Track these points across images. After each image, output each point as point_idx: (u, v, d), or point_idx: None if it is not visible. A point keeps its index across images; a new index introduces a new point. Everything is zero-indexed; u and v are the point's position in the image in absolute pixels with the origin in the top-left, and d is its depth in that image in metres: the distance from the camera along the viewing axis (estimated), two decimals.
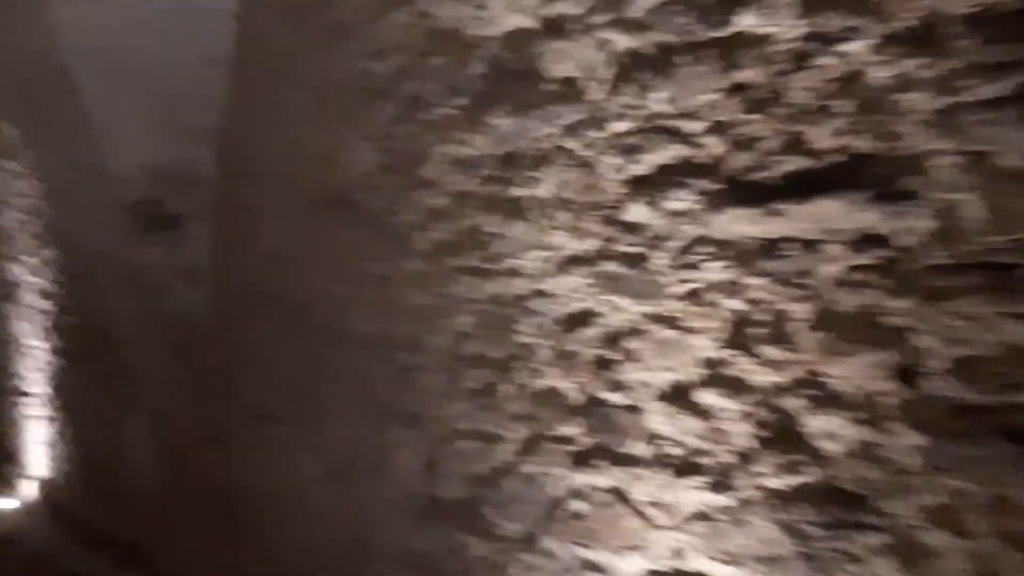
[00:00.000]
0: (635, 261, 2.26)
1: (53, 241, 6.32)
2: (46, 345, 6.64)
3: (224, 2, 3.87)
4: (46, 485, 6.69)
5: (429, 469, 3.01)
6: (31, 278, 6.83)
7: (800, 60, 1.91)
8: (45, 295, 6.57)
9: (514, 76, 2.61)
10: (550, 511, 2.53)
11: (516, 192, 2.61)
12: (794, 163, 1.93)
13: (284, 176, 3.83)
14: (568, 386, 2.47)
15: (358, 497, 3.40)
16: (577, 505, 2.44)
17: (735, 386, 2.05)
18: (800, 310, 1.93)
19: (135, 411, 5.32)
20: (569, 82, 2.41)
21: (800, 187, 1.92)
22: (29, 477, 6.94)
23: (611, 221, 2.32)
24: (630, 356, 2.28)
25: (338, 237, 3.49)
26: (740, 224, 2.03)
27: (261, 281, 4.05)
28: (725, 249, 2.06)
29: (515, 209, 2.61)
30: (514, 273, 2.63)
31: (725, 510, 2.08)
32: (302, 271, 3.76)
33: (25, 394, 7.01)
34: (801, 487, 1.95)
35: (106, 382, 5.67)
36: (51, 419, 6.64)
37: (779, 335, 1.97)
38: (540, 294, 2.55)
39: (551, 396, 2.53)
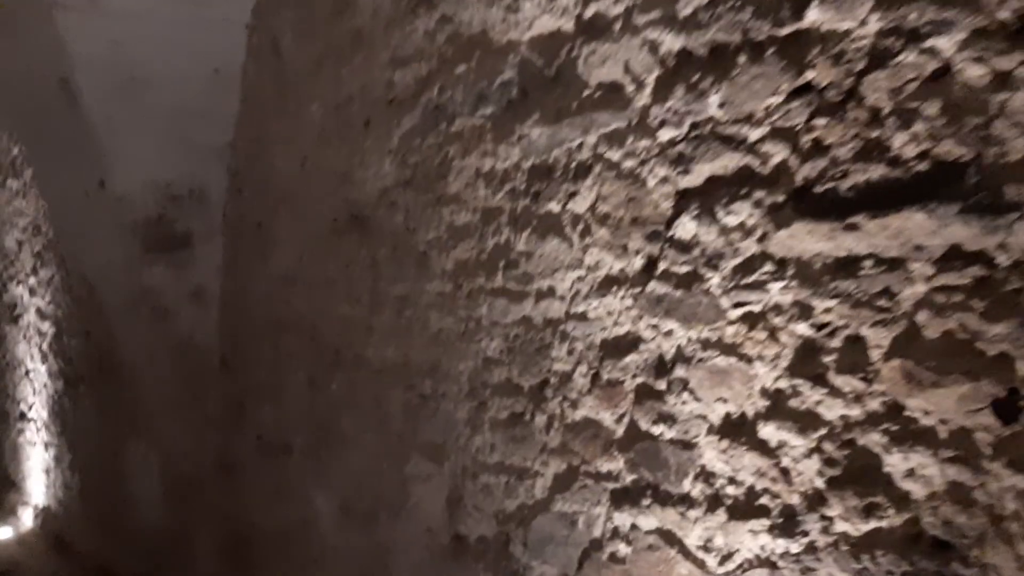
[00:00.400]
0: (685, 281, 2.06)
1: (55, 261, 6.15)
2: (46, 368, 6.45)
3: (236, 13, 3.71)
4: (44, 514, 6.48)
5: (453, 505, 2.80)
6: (32, 299, 6.65)
7: (878, 58, 1.73)
8: (46, 317, 6.39)
9: (547, 82, 2.43)
10: (588, 553, 2.32)
11: (549, 207, 2.42)
12: (871, 172, 1.74)
13: (296, 193, 3.65)
14: (608, 417, 2.27)
15: (375, 534, 3.19)
16: (618, 547, 2.24)
17: (801, 419, 1.85)
18: (878, 335, 1.73)
19: (138, 438, 5.12)
20: (610, 87, 2.22)
21: (878, 199, 1.73)
22: (28, 505, 6.73)
23: (657, 237, 2.13)
24: (680, 385, 2.08)
25: (353, 257, 3.30)
26: (807, 240, 1.84)
27: (271, 303, 3.87)
28: (789, 268, 1.87)
29: (548, 225, 2.43)
30: (547, 295, 2.44)
31: (790, 556, 1.88)
32: (315, 293, 3.57)
33: (26, 419, 6.82)
34: (879, 532, 1.75)
35: (108, 407, 5.47)
36: (50, 445, 6.44)
37: (854, 363, 1.77)
38: (576, 317, 2.36)
39: (589, 428, 2.33)
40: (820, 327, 1.82)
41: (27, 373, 6.84)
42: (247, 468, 4.10)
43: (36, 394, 6.68)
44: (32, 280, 6.62)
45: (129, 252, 4.01)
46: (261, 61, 3.75)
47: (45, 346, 6.37)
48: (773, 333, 1.90)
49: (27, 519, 6.66)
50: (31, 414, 6.78)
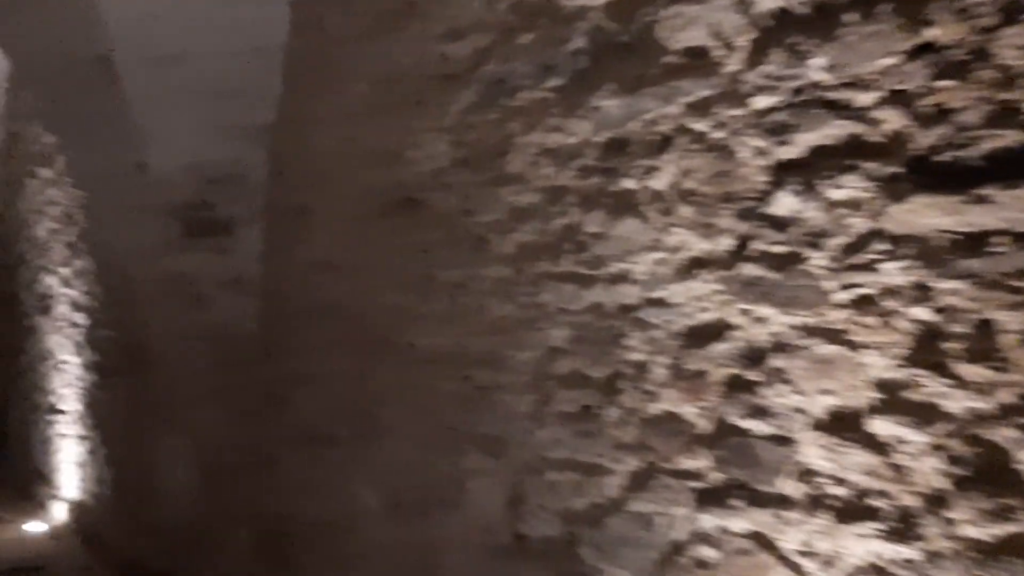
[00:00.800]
0: (783, 263, 1.89)
1: (88, 250, 6.04)
2: (79, 360, 6.35)
3: None
4: (77, 508, 6.39)
5: (513, 503, 2.64)
6: (64, 290, 6.56)
7: (1011, 12, 1.54)
8: (79, 307, 6.29)
9: (621, 50, 2.26)
10: (668, 557, 2.15)
11: (624, 184, 2.25)
12: (1003, 139, 1.56)
13: (341, 175, 3.50)
14: (691, 411, 2.10)
15: (425, 531, 3.04)
16: (704, 551, 2.07)
17: (921, 413, 1.67)
18: (1011, 319, 1.55)
19: (172, 431, 5.00)
20: (695, 52, 2.05)
21: (1011, 167, 1.55)
22: (59, 499, 6.65)
23: (750, 215, 1.95)
24: (776, 377, 1.91)
25: (402, 241, 3.15)
26: (928, 215, 1.66)
27: (314, 290, 3.72)
28: (907, 246, 1.69)
29: (623, 204, 2.26)
30: (621, 279, 2.27)
31: (907, 564, 1.70)
32: (360, 279, 3.42)
33: (59, 411, 6.73)
34: (1012, 538, 1.57)
35: (142, 399, 5.36)
36: (83, 438, 6.34)
37: (983, 351, 1.59)
38: (654, 303, 2.19)
39: (669, 422, 2.16)
40: (942, 311, 1.65)
41: (59, 365, 6.75)
42: (286, 460, 3.96)
43: (69, 386, 6.59)
44: (64, 270, 6.52)
45: (167, 238, 3.87)
46: (305, 37, 3.60)
47: (78, 337, 6.27)
48: (887, 318, 1.72)
49: (59, 513, 6.57)
50: (63, 407, 6.69)
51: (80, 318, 6.28)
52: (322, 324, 3.65)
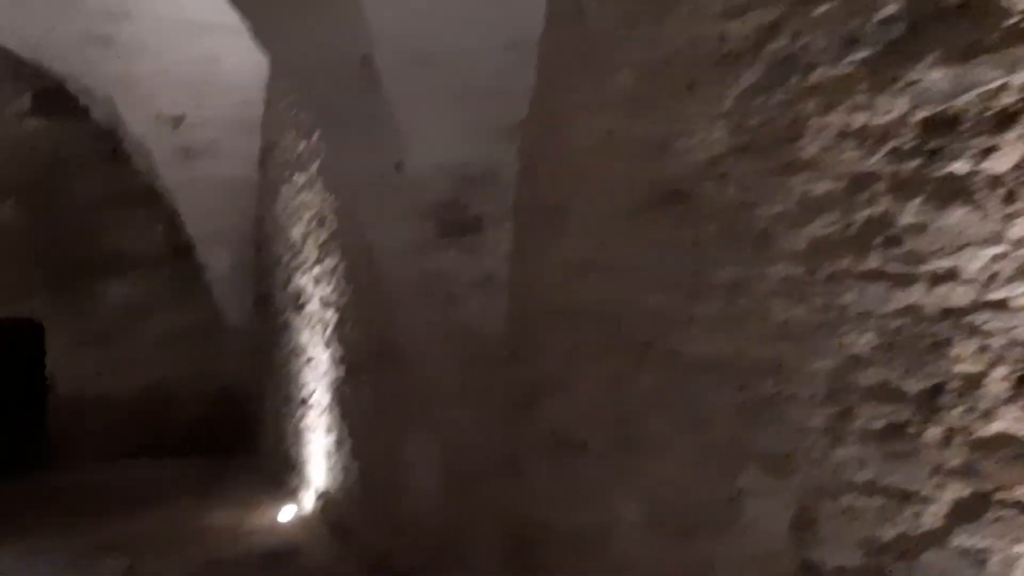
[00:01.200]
0: None
1: (339, 251, 6.28)
2: (329, 356, 6.62)
3: None
4: (325, 499, 6.66)
5: (799, 527, 2.37)
6: (316, 289, 6.86)
7: None
8: (328, 305, 6.55)
9: (947, 14, 1.95)
10: None
11: (951, 168, 1.94)
12: None
13: (598, 170, 3.35)
14: None
15: (691, 551, 2.82)
16: None
17: None
18: None
19: (418, 428, 5.06)
20: None
21: None
22: (310, 489, 6.96)
23: None
24: None
25: (667, 238, 2.95)
26: None
27: (567, 291, 3.60)
28: None
29: (949, 191, 1.95)
30: (946, 278, 1.96)
31: None
32: (617, 280, 3.25)
33: (309, 405, 7.05)
34: None
35: (389, 396, 5.47)
36: (331, 431, 6.60)
37: None
38: (991, 306, 1.87)
39: (1008, 445, 1.84)
40: None
41: (309, 360, 7.07)
42: (536, 465, 3.86)
43: (318, 380, 6.89)
44: (316, 270, 6.82)
45: (421, 237, 3.88)
46: (561, 28, 3.48)
47: (328, 334, 6.54)
48: None
49: (308, 502, 6.88)
50: (312, 400, 7.01)
51: (330, 315, 6.54)
52: (575, 326, 3.52)
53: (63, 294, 8.40)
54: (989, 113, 1.86)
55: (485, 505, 4.29)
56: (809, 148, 2.32)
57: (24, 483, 7.81)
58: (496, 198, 3.81)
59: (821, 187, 2.29)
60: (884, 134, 2.10)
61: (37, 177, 8.29)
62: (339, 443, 6.42)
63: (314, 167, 6.67)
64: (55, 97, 8.25)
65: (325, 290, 6.59)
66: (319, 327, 6.78)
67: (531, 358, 3.88)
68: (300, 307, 7.26)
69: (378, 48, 3.45)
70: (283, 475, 7.68)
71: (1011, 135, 1.82)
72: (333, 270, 6.35)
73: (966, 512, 1.92)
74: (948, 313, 1.96)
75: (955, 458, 1.95)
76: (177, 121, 7.73)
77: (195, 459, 8.18)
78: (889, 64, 2.09)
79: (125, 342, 8.60)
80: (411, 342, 4.65)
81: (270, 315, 8.14)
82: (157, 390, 8.61)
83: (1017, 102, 1.80)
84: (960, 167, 1.92)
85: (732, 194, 2.63)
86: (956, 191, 1.93)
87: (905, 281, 2.06)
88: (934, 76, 1.98)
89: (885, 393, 2.11)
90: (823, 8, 2.27)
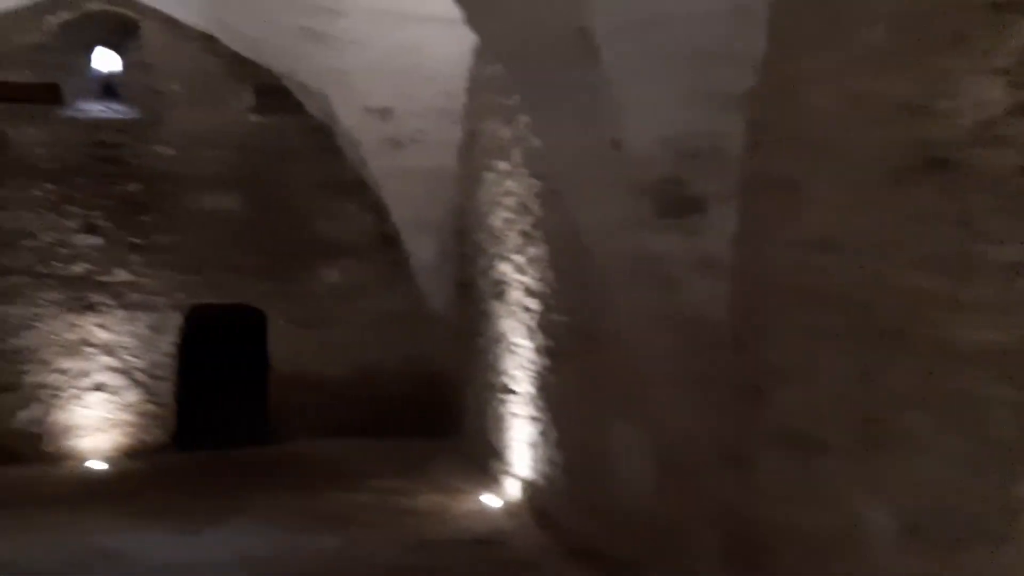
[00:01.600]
0: None
1: (542, 238, 6.19)
2: (531, 343, 6.55)
3: None
4: (529, 487, 6.60)
5: None
6: (518, 276, 6.81)
7: None
8: (532, 293, 6.48)
9: None
10: None
11: None
12: None
13: (839, 140, 3.05)
14: None
15: (956, 566, 2.50)
16: None
17: None
18: None
19: (627, 418, 4.88)
20: None
21: None
22: (513, 476, 6.93)
23: None
24: None
25: (927, 212, 2.62)
26: None
27: (800, 273, 3.31)
28: None
29: None
30: None
31: None
32: (862, 259, 2.94)
33: (511, 392, 7.03)
34: None
35: (595, 385, 5.33)
36: (534, 419, 6.54)
37: None
38: None
39: None
40: None
41: (511, 347, 7.04)
42: (762, 461, 3.59)
43: (519, 368, 6.84)
44: (518, 257, 6.77)
45: (638, 217, 3.69)
46: None
47: (531, 322, 6.47)
48: None
49: (512, 490, 6.85)
50: (514, 386, 6.97)
51: (532, 303, 6.47)
52: (811, 312, 3.23)
53: (281, 281, 8.79)
54: None
55: (703, 499, 4.06)
56: None
57: (248, 455, 8.26)
58: (720, 174, 3.56)
59: None
60: None
61: (258, 171, 8.71)
62: (542, 432, 6.35)
63: (518, 153, 6.61)
64: (274, 93, 8.63)
65: (528, 278, 6.52)
66: (521, 314, 6.73)
67: (758, 346, 3.61)
68: (501, 294, 7.24)
69: (597, 17, 3.27)
70: (485, 460, 7.71)
71: None
72: (536, 257, 6.27)
73: None
74: None
75: None
76: (384, 113, 7.89)
77: (401, 439, 8.36)
78: None
79: (337, 326, 8.90)
80: (623, 328, 4.47)
81: (471, 302, 8.19)
82: (366, 372, 8.86)
83: None
84: None
85: (1012, 160, 2.28)
86: None
87: None
88: None
89: None
90: None
